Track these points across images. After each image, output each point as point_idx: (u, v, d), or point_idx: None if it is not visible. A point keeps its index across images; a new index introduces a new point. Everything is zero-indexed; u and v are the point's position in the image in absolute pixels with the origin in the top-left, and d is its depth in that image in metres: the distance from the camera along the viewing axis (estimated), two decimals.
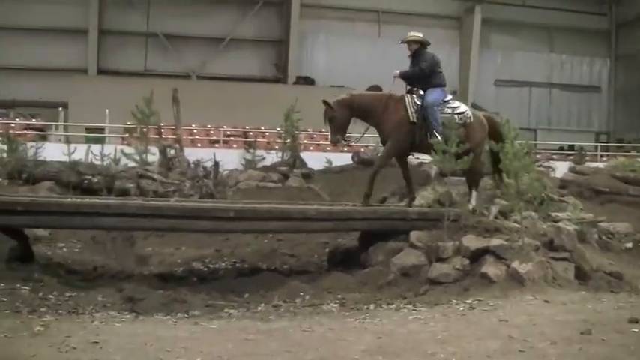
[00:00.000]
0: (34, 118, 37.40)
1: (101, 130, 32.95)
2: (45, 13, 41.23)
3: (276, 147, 23.90)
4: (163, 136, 21.40)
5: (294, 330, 8.48)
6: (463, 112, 12.90)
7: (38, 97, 40.82)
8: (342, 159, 24.17)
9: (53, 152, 21.01)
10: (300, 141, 24.95)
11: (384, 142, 13.12)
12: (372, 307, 9.88)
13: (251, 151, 22.68)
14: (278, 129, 26.96)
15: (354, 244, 13.20)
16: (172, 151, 19.96)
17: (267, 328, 8.62)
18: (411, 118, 12.64)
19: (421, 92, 12.86)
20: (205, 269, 13.12)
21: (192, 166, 18.84)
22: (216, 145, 31.60)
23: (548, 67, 49.23)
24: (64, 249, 14.12)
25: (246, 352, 7.43)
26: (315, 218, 11.96)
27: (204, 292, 10.63)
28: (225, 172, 20.32)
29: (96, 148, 21.01)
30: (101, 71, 42.11)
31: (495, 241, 10.93)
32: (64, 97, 37.96)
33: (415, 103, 12.75)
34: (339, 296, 10.43)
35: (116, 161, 20.17)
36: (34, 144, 22.44)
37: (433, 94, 12.81)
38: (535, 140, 40.29)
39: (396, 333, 8.27)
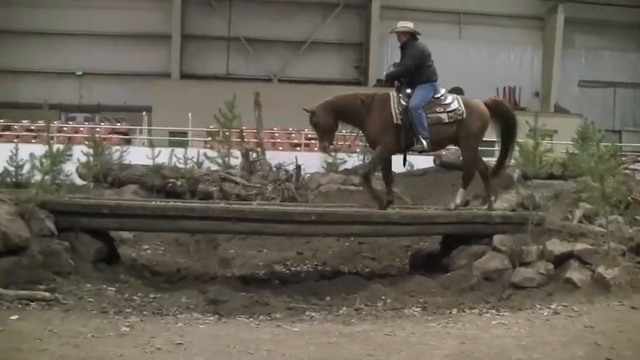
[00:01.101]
0: (118, 122, 38.10)
1: (184, 133, 33.39)
2: (129, 19, 41.98)
3: (358, 150, 23.88)
4: (245, 140, 21.59)
5: (376, 334, 8.45)
6: (454, 110, 12.17)
7: (122, 102, 41.62)
8: (424, 162, 24.02)
9: (137, 156, 21.40)
10: None
11: (370, 145, 12.82)
12: (454, 311, 9.78)
13: (332, 154, 22.71)
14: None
15: (436, 248, 13.11)
16: (254, 155, 20.12)
17: (349, 331, 8.61)
18: (395, 120, 12.07)
19: (408, 91, 12.20)
20: (287, 272, 13.17)
21: (274, 169, 18.97)
22: (298, 148, 31.77)
23: (634, 67, 48.10)
24: (148, 251, 14.34)
25: (328, 355, 7.45)
26: (398, 222, 11.88)
27: (286, 295, 10.63)
28: (307, 175, 20.42)
29: (179, 152, 21.34)
30: (184, 75, 42.66)
31: (580, 246, 10.74)
32: (147, 102, 38.61)
33: (400, 103, 12.09)
34: (421, 300, 10.35)
35: (199, 164, 20.45)
36: (118, 148, 22.85)
37: (419, 94, 12.10)
38: (620, 142, 39.46)
39: (479, 338, 8.19)
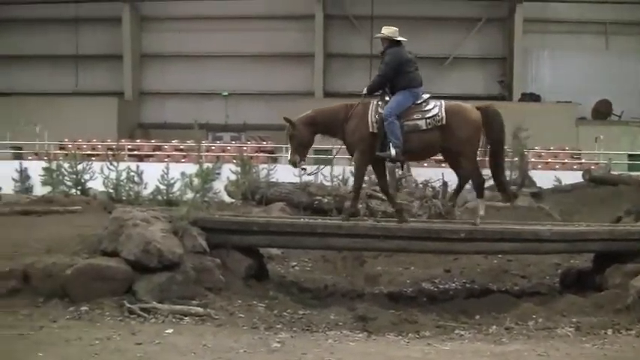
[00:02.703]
0: (264, 140, 38.74)
1: (329, 151, 33.63)
2: (272, 39, 42.74)
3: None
4: None
5: (528, 354, 8.30)
6: (433, 116, 11.68)
7: (267, 121, 42.34)
8: (573, 177, 23.50)
9: (284, 173, 21.69)
10: (529, 159, 24.42)
11: (349, 153, 12.47)
12: (609, 332, 9.48)
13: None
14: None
15: (588, 266, 12.73)
16: (400, 171, 20.04)
17: (500, 350, 8.47)
18: (370, 128, 11.75)
19: (387, 98, 11.89)
20: (435, 289, 13.06)
21: (420, 186, 18.86)
22: (443, 165, 31.44)
23: None
24: (296, 267, 14.48)
25: None
26: (548, 239, 11.60)
27: (435, 313, 10.56)
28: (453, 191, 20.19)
29: (325, 169, 21.47)
30: (327, 94, 43.01)
31: None
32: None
33: (378, 111, 11.77)
34: (574, 320, 10.02)
35: (345, 182, 20.52)
36: (265, 166, 23.22)
37: (394, 101, 11.75)
38: None
39: None
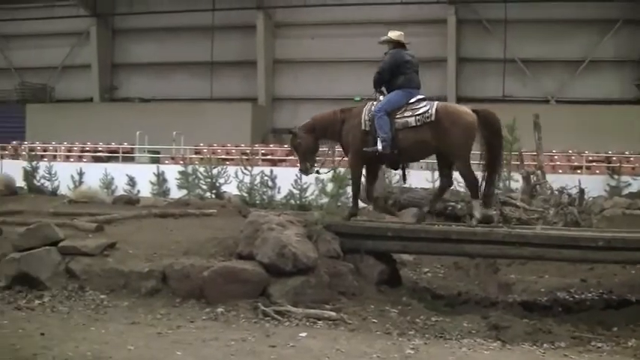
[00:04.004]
0: None
1: None
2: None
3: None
4: (524, 163, 21.24)
5: None
6: (422, 113, 11.70)
7: None
8: None
9: (417, 179, 21.61)
10: None
11: (345, 153, 12.62)
12: None
13: (615, 176, 21.90)
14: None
15: None
16: (535, 178, 19.72)
17: None
18: (363, 126, 12.02)
19: (381, 97, 12.11)
20: (570, 299, 12.74)
21: (555, 192, 18.48)
22: (578, 171, 30.89)
23: None
24: (429, 274, 14.41)
25: None
26: None
27: (570, 323, 10.30)
28: (590, 198, 19.74)
29: (458, 175, 21.27)
30: (460, 99, 42.54)
31: None
32: None
33: (371, 110, 12.04)
34: None
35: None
36: (398, 171, 23.19)
37: (386, 99, 12.07)
38: None
39: None
